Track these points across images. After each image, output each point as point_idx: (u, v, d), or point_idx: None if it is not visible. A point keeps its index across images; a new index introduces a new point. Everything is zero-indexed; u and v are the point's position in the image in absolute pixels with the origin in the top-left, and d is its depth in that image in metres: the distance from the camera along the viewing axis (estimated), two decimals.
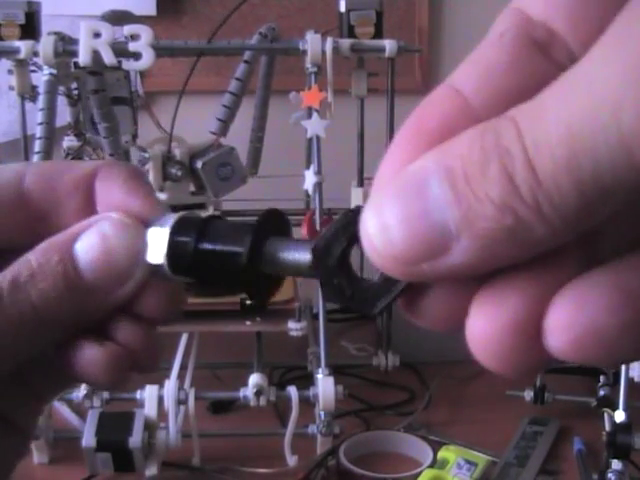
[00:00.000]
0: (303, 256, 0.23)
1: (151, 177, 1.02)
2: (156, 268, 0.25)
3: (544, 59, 0.19)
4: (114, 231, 0.25)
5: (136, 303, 0.25)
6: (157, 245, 0.25)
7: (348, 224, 0.21)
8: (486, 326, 0.19)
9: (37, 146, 0.95)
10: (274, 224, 0.24)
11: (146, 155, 1.02)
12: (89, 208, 0.26)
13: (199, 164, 1.03)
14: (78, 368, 0.25)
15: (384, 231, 0.18)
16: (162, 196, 1.04)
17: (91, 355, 0.25)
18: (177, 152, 1.03)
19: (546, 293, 0.18)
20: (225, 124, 1.06)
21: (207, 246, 0.24)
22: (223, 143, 1.07)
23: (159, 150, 1.03)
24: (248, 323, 1.03)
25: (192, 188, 1.07)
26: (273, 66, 1.17)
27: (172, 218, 0.25)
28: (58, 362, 0.26)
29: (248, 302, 1.03)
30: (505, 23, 0.20)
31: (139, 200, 0.26)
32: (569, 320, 0.17)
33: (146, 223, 0.25)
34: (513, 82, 0.19)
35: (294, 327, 1.02)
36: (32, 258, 0.24)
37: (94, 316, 0.25)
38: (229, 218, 0.26)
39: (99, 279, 0.25)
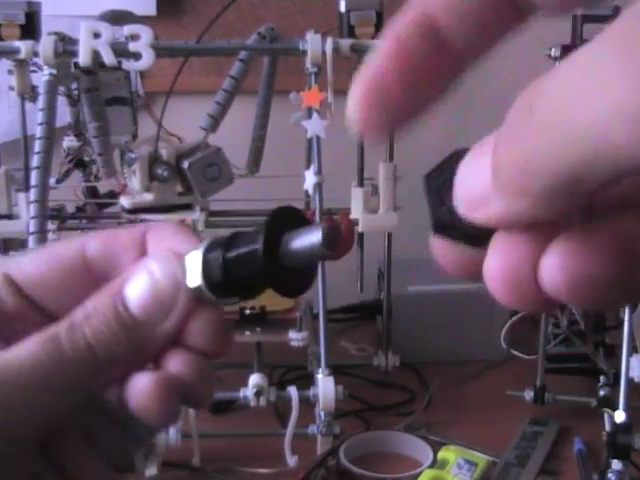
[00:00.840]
0: (314, 237, 0.24)
1: (137, 177, 1.02)
2: (197, 292, 0.27)
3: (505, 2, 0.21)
4: (159, 266, 0.27)
5: (185, 335, 0.27)
6: (194, 268, 0.27)
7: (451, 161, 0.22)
8: (496, 263, 0.20)
9: (37, 146, 0.95)
10: (291, 220, 0.26)
11: (133, 156, 1.02)
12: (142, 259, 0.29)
13: (186, 164, 1.03)
14: (131, 400, 0.26)
15: (463, 179, 0.20)
16: (149, 196, 1.03)
17: (141, 382, 0.26)
18: (164, 152, 1.03)
19: (548, 239, 0.19)
20: (215, 120, 1.06)
21: (232, 254, 0.26)
22: (211, 143, 1.07)
23: (146, 150, 1.03)
24: (248, 333, 1.04)
25: (179, 188, 1.07)
26: (276, 65, 1.17)
27: (204, 243, 0.27)
28: (113, 402, 0.26)
29: (247, 312, 1.03)
30: None
31: (183, 241, 0.28)
32: (563, 262, 0.18)
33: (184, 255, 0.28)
34: (482, 18, 0.21)
35: (295, 337, 1.02)
36: (87, 303, 0.27)
37: (147, 351, 0.26)
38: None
39: (147, 311, 0.26)
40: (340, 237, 0.23)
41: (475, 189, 0.20)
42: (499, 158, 0.18)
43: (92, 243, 0.29)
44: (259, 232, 0.25)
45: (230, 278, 0.26)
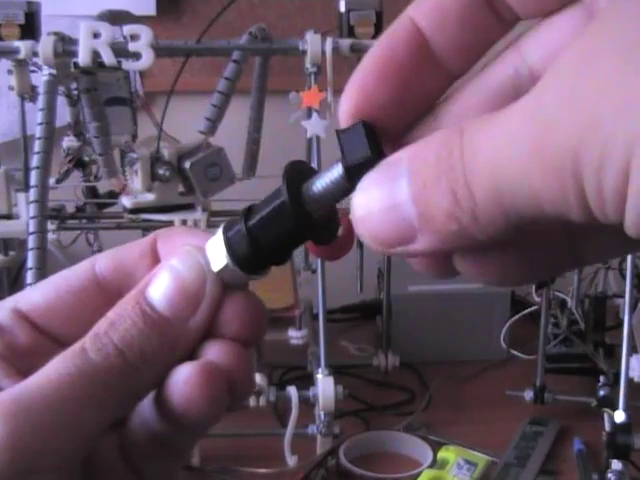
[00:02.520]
0: (337, 172, 0.23)
1: (139, 178, 1.02)
2: (225, 275, 0.26)
3: (490, 13, 0.23)
4: (180, 260, 0.26)
5: (218, 325, 0.26)
6: (217, 252, 0.26)
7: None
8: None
9: (37, 146, 0.94)
10: (304, 173, 0.25)
11: (134, 155, 1.02)
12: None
13: (187, 164, 1.03)
14: (175, 396, 0.25)
15: (368, 216, 0.21)
16: (150, 196, 1.03)
17: (184, 373, 0.25)
18: (165, 152, 1.03)
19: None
20: (213, 123, 1.06)
21: (255, 220, 0.25)
22: (212, 143, 1.07)
23: (147, 150, 1.03)
24: None
25: (181, 189, 1.07)
26: (267, 67, 1.17)
27: (221, 226, 0.26)
28: (158, 404, 0.25)
29: None
30: None
31: (196, 236, 0.27)
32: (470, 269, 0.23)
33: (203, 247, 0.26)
34: (466, 31, 0.23)
35: (295, 335, 1.02)
36: (109, 313, 0.25)
37: (181, 349, 0.25)
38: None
39: (175, 307, 0.25)
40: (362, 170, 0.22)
41: (388, 228, 0.21)
42: (428, 205, 0.20)
43: (101, 261, 0.28)
44: (278, 189, 0.24)
45: (258, 245, 0.25)
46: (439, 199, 0.20)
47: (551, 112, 0.18)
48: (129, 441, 0.26)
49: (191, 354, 0.25)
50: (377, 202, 0.21)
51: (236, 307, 0.26)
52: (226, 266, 0.25)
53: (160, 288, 0.25)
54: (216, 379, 0.25)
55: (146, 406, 0.26)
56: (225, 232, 0.26)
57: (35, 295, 0.27)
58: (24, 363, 0.26)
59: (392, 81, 0.23)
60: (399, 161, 0.21)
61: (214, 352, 0.25)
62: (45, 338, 0.27)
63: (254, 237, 0.25)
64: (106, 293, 0.27)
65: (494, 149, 0.19)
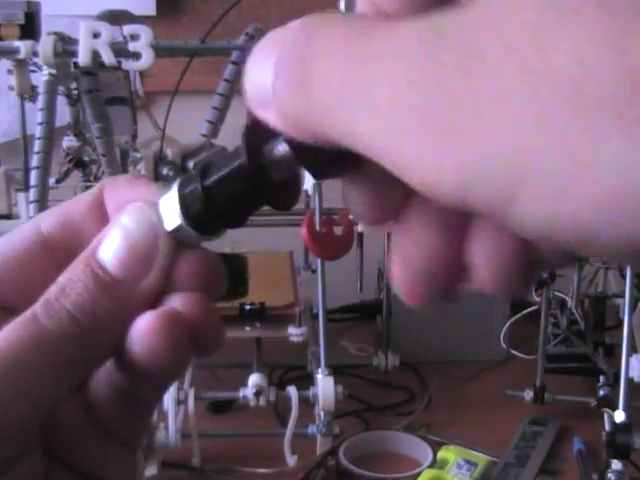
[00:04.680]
0: (282, 146, 0.23)
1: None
2: (178, 234, 0.25)
3: None
4: (130, 218, 0.25)
5: (175, 282, 0.25)
6: (170, 209, 0.25)
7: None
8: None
9: (37, 146, 0.94)
10: (265, 135, 0.23)
11: (138, 155, 1.02)
12: (105, 222, 0.26)
13: (191, 164, 1.03)
14: (134, 347, 0.24)
15: (249, 68, 0.21)
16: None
17: (143, 322, 0.24)
18: (169, 152, 1.03)
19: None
20: (215, 126, 1.06)
21: (211, 180, 0.24)
22: (215, 144, 1.07)
23: (151, 150, 1.03)
24: (247, 329, 1.03)
25: None
26: None
27: (176, 182, 0.25)
28: (120, 358, 0.24)
29: (247, 307, 1.03)
30: None
31: (145, 189, 0.26)
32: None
33: (156, 203, 0.25)
34: None
35: (294, 332, 1.02)
36: (60, 278, 0.24)
37: (135, 309, 0.24)
38: None
39: (127, 267, 0.24)
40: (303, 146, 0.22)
41: (259, 88, 0.21)
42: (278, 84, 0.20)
43: (46, 220, 0.26)
44: (237, 150, 0.23)
45: (213, 206, 0.24)
46: (283, 88, 0.20)
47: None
48: (93, 397, 0.25)
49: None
50: (251, 71, 0.21)
51: (191, 264, 0.25)
52: (179, 226, 0.25)
53: (111, 248, 0.24)
54: (176, 325, 0.24)
55: (108, 362, 0.25)
56: (180, 190, 0.25)
57: None
58: None
59: None
60: (276, 35, 0.21)
61: (172, 303, 0.24)
62: None
63: (209, 197, 0.24)
64: (54, 253, 0.26)
65: (338, 74, 0.18)
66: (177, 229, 0.25)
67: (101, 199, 0.27)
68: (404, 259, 0.22)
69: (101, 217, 0.26)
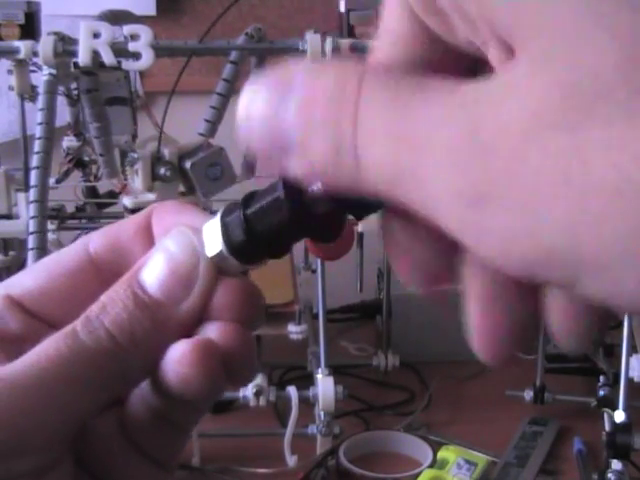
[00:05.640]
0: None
1: (140, 177, 1.02)
2: (219, 260, 0.25)
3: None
4: (174, 242, 0.25)
5: (212, 309, 0.25)
6: (213, 236, 0.25)
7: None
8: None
9: (37, 146, 0.94)
10: None
11: (135, 155, 1.02)
12: (152, 245, 0.27)
13: (188, 164, 1.03)
14: (169, 374, 0.24)
15: (247, 118, 0.20)
16: (151, 196, 1.03)
17: (178, 350, 0.24)
18: (166, 152, 1.03)
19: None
20: (213, 125, 1.06)
21: (253, 209, 0.24)
22: (213, 143, 1.07)
23: (148, 150, 1.03)
24: None
25: (182, 188, 1.07)
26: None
27: (220, 210, 0.25)
28: (155, 382, 0.25)
29: None
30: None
31: (191, 215, 0.26)
32: None
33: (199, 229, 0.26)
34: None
35: (294, 330, 1.02)
36: (102, 297, 0.25)
37: (173, 332, 0.25)
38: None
39: (167, 289, 0.24)
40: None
41: (265, 135, 0.20)
42: (308, 139, 0.19)
43: (95, 240, 0.27)
44: (277, 182, 0.24)
45: (254, 234, 0.24)
46: (321, 143, 0.18)
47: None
48: (128, 415, 0.26)
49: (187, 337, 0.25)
50: (262, 108, 0.20)
51: (230, 292, 0.25)
52: (220, 252, 0.25)
53: (153, 270, 0.25)
54: (210, 356, 0.24)
55: (144, 383, 0.26)
56: (223, 217, 0.25)
57: (27, 280, 0.27)
58: (16, 349, 0.25)
59: None
60: (295, 76, 0.19)
61: (209, 331, 0.25)
62: (38, 323, 0.26)
63: (250, 226, 0.24)
64: (101, 273, 0.27)
65: (396, 140, 0.18)
66: (218, 255, 0.25)
67: (149, 222, 0.27)
68: (488, 320, 0.22)
69: (148, 240, 0.27)
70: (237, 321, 0.25)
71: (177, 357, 0.24)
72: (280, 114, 0.19)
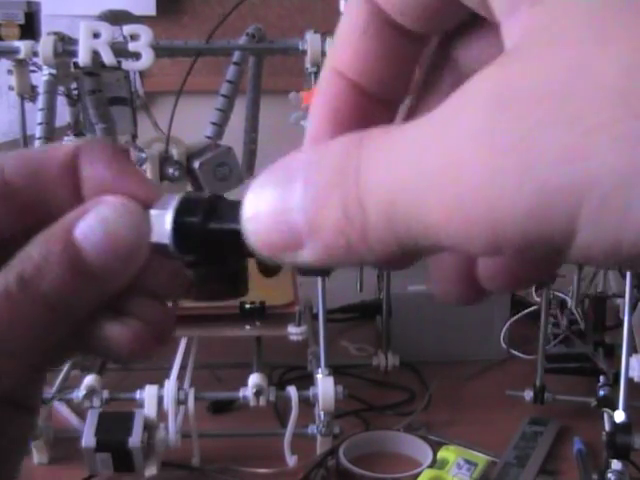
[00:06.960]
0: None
1: (149, 177, 1.02)
2: (161, 247, 0.25)
3: (404, 38, 0.23)
4: (114, 214, 0.25)
5: (144, 280, 0.26)
6: (161, 226, 0.25)
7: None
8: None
9: (37, 146, 0.94)
10: None
11: (143, 155, 1.02)
12: (77, 191, 0.26)
13: (196, 164, 1.03)
14: (102, 347, 0.25)
15: (256, 217, 0.20)
16: None
17: (114, 333, 0.25)
18: (174, 152, 1.03)
19: None
20: (220, 127, 1.06)
21: (215, 225, 0.24)
22: (220, 143, 1.07)
23: (156, 150, 1.03)
24: (247, 327, 1.03)
25: (189, 188, 1.07)
26: (262, 67, 1.17)
27: (174, 199, 0.25)
28: (79, 342, 0.26)
29: (247, 306, 1.03)
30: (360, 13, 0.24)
31: (131, 181, 0.26)
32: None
33: (145, 204, 0.25)
34: (390, 64, 0.23)
35: (294, 331, 1.02)
36: (33, 252, 0.24)
37: (106, 297, 0.25)
38: None
39: (105, 263, 0.24)
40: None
41: (275, 233, 0.20)
42: (318, 216, 0.19)
43: (10, 163, 0.26)
44: (238, 210, 0.22)
45: (207, 247, 0.24)
46: (330, 212, 0.18)
47: (463, 146, 0.17)
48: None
49: (120, 298, 0.26)
50: (267, 204, 0.20)
51: (162, 270, 0.26)
52: (165, 245, 0.25)
53: (91, 239, 0.24)
54: (143, 339, 0.26)
55: None
56: (178, 215, 0.25)
57: None
58: None
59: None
60: (297, 163, 0.20)
61: (144, 308, 0.26)
62: None
63: (206, 239, 0.24)
64: (15, 200, 0.26)
65: (392, 170, 0.18)
66: (162, 246, 0.25)
67: (76, 163, 0.26)
68: None
69: (73, 185, 0.26)
70: (163, 295, 0.26)
71: (112, 337, 0.25)
72: (287, 202, 0.19)
